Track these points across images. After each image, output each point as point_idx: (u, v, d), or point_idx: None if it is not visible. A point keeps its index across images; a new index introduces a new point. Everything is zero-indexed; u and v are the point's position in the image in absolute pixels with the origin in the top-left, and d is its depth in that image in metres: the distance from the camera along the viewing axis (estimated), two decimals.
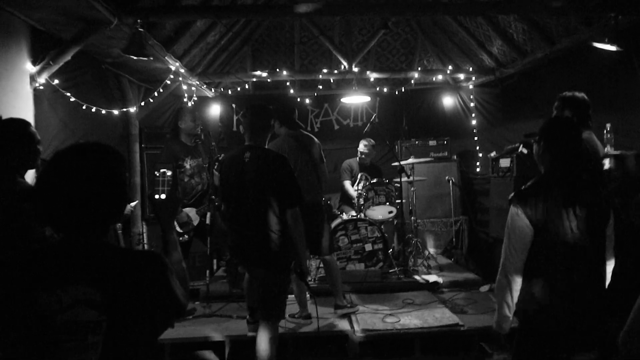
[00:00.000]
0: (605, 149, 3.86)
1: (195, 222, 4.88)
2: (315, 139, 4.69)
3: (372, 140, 6.56)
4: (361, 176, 6.37)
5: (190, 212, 4.86)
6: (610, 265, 2.46)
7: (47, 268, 1.36)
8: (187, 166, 4.84)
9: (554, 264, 2.28)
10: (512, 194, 2.39)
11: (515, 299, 2.36)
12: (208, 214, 4.80)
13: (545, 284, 2.29)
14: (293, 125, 4.65)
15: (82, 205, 1.39)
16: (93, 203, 1.40)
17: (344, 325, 4.41)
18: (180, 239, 4.84)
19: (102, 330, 1.32)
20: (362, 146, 6.54)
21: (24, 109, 3.85)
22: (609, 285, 2.43)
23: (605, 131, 4.23)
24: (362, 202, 5.94)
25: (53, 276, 1.34)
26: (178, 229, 4.75)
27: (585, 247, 2.29)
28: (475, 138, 7.64)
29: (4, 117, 2.78)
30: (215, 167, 4.12)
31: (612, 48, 4.05)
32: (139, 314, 1.38)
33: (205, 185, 5.02)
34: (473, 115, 7.66)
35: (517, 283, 2.34)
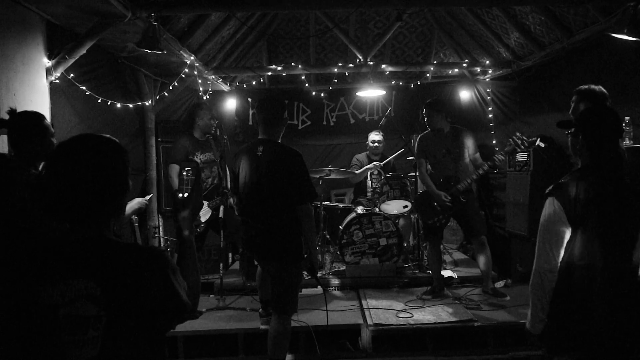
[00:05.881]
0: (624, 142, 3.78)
1: (207, 216, 4.91)
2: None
3: (380, 132, 6.56)
4: (373, 170, 6.34)
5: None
6: None
7: (50, 261, 1.37)
8: (198, 160, 4.91)
9: (593, 262, 2.15)
10: (550, 187, 2.26)
11: (549, 299, 2.24)
12: (222, 207, 4.82)
13: (583, 282, 2.16)
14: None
15: (78, 196, 1.39)
16: (90, 195, 1.40)
17: (357, 319, 4.40)
18: (198, 230, 4.90)
19: (102, 326, 1.32)
20: (372, 136, 6.52)
21: (41, 103, 3.89)
22: None
23: (623, 124, 4.14)
24: (376, 197, 5.91)
25: (56, 269, 1.35)
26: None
27: (625, 245, 2.18)
28: (492, 132, 7.54)
29: (21, 110, 2.81)
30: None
31: (631, 38, 3.96)
32: (138, 310, 1.37)
33: (216, 178, 5.05)
34: (490, 108, 7.55)
35: (552, 282, 2.21)
